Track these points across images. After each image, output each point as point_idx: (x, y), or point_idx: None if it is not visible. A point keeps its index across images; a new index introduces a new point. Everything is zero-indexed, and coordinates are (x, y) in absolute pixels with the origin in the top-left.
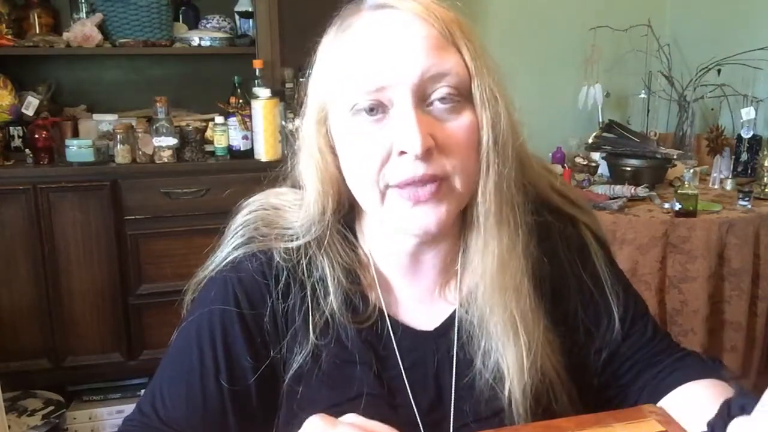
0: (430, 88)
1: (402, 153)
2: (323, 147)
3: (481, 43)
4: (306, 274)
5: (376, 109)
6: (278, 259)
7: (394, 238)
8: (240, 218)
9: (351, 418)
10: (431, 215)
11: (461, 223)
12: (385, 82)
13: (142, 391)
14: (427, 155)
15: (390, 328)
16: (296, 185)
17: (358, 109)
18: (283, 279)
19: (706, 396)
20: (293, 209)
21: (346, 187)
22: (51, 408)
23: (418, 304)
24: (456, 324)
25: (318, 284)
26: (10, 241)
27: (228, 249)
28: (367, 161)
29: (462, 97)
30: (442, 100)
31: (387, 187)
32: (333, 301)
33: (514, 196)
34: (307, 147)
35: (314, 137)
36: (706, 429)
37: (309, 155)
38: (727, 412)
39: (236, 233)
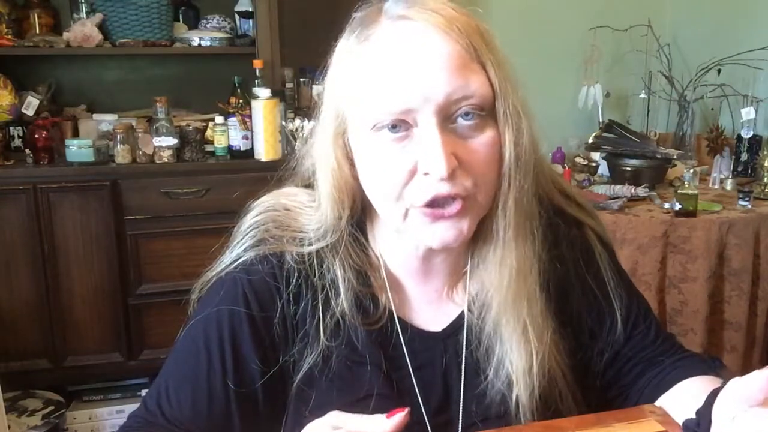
0: (454, 107)
1: (426, 174)
2: (341, 158)
3: (503, 54)
4: (318, 278)
5: (399, 127)
6: (290, 262)
7: (404, 241)
8: (250, 219)
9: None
10: (452, 231)
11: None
12: (409, 105)
13: (143, 391)
14: (450, 175)
15: (399, 329)
16: (306, 184)
17: (380, 126)
18: (294, 282)
19: (700, 390)
20: (306, 212)
21: (361, 193)
22: (51, 408)
23: (427, 306)
24: (465, 325)
25: (329, 286)
26: (10, 241)
27: (238, 250)
28: (390, 180)
29: (485, 113)
30: (465, 116)
31: (411, 206)
32: (344, 302)
33: (532, 207)
34: (323, 157)
35: (331, 148)
36: (694, 417)
37: (326, 164)
38: (714, 400)
39: (246, 234)
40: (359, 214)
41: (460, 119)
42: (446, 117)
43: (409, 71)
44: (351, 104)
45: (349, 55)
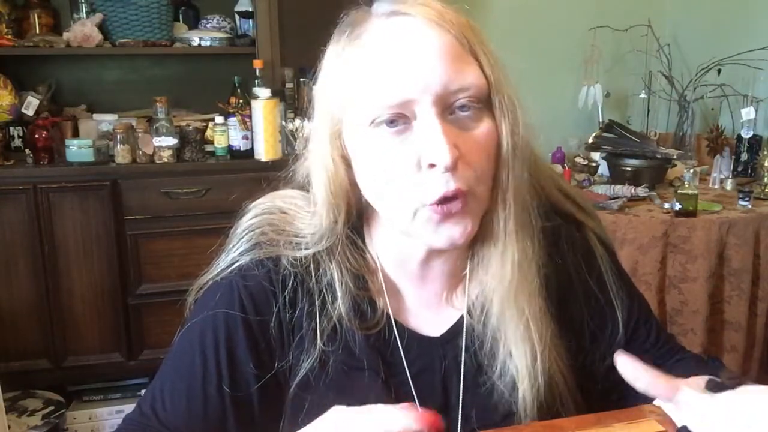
0: (452, 98)
1: (431, 166)
2: (337, 159)
3: (493, 48)
4: (314, 282)
5: (398, 121)
6: (286, 266)
7: (404, 244)
8: (246, 222)
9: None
10: (458, 229)
11: None
12: (407, 96)
13: (143, 391)
14: (454, 166)
15: (397, 333)
16: (302, 187)
17: (379, 122)
18: (290, 286)
19: None
20: (303, 215)
21: (357, 196)
22: (51, 408)
23: (425, 310)
24: (464, 330)
25: (326, 290)
26: (10, 241)
27: (234, 254)
28: (395, 177)
29: (482, 104)
30: (462, 108)
31: (422, 205)
32: (341, 306)
33: (530, 200)
34: (319, 159)
35: (327, 150)
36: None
37: (322, 167)
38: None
39: (242, 238)
40: (355, 218)
41: (457, 111)
42: (445, 108)
43: (406, 62)
44: (346, 103)
45: (341, 55)
